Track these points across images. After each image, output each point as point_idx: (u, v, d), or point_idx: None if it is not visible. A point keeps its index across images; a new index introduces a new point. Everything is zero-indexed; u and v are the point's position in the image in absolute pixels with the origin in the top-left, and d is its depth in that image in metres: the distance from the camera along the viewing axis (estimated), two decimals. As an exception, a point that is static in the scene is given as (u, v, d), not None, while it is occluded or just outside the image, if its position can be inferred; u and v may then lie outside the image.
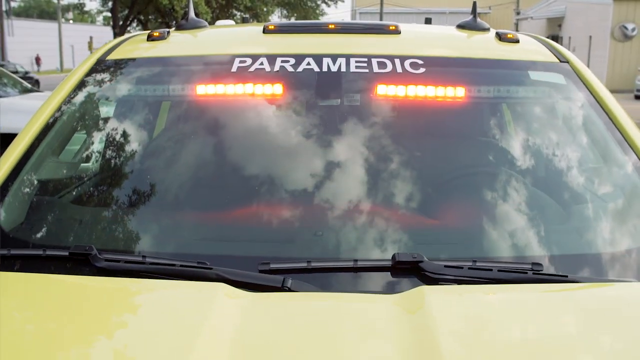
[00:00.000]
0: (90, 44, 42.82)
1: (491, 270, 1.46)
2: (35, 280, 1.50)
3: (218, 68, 2.06)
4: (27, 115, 2.14)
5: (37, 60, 46.49)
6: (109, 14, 27.28)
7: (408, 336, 1.23)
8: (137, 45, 2.29)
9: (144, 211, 1.80)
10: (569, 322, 1.35)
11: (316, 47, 2.12)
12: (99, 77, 2.13)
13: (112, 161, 2.00)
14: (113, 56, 2.19)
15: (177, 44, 2.29)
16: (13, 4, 47.48)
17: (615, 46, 30.10)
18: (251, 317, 1.30)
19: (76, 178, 2.02)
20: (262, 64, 2.01)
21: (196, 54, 2.20)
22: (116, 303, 1.43)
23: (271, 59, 2.03)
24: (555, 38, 36.81)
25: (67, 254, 1.54)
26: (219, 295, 1.35)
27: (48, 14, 70.90)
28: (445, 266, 1.47)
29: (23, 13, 63.93)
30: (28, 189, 1.84)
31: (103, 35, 50.81)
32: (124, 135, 2.04)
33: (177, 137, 2.13)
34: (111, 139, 2.04)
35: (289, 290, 1.40)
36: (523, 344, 1.26)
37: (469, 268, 1.47)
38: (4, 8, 33.67)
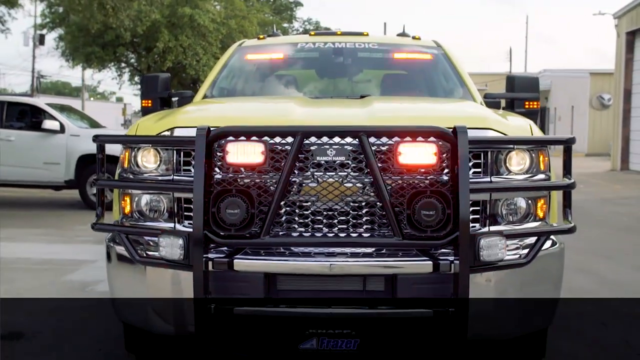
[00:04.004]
0: (124, 110, 53.49)
1: None
2: None
3: (292, 46, 5.28)
4: None
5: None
6: (122, 95, 30.47)
7: (359, 103, 3.74)
8: (253, 41, 5.54)
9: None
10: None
11: (332, 39, 5.26)
12: (239, 52, 5.07)
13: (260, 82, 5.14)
14: (245, 44, 5.47)
15: (272, 39, 5.54)
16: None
17: (594, 114, 32.41)
18: (311, 100, 4.07)
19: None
20: (309, 44, 5.14)
21: (281, 42, 5.16)
22: None
23: (314, 42, 5.19)
24: (543, 109, 39.29)
25: None
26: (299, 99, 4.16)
27: (63, 94, 75.42)
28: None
29: (42, 94, 67.54)
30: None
31: (118, 110, 54.58)
32: (267, 73, 5.23)
33: (280, 72, 5.28)
34: (260, 75, 5.22)
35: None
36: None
37: None
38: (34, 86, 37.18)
